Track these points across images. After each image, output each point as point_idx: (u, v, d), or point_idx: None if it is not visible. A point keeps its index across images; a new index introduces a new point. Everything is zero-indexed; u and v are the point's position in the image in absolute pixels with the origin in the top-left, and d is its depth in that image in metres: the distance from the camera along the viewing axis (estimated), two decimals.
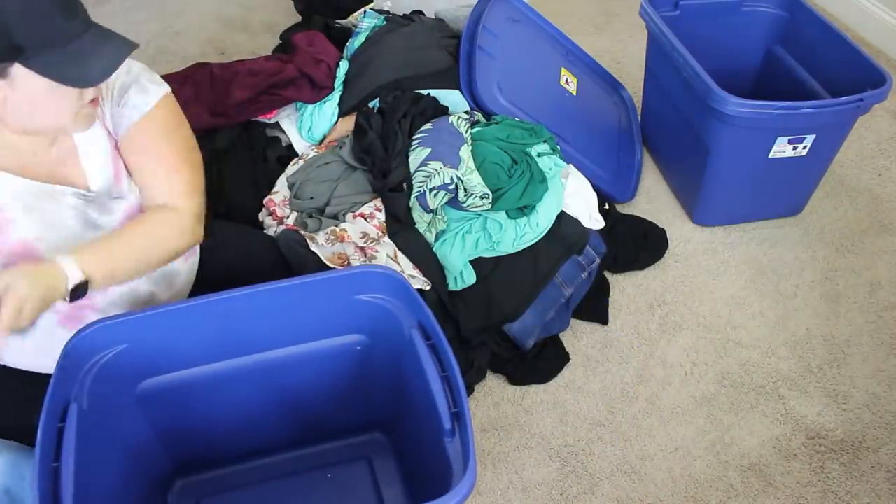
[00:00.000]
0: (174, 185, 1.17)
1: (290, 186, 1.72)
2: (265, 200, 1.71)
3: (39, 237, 1.09)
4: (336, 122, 1.84)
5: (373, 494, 1.33)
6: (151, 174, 1.17)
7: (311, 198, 1.67)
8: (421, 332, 1.12)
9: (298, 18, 2.41)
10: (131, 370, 1.09)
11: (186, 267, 1.31)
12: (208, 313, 1.10)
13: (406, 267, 1.51)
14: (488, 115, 1.79)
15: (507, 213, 1.59)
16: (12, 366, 1.18)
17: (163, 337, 1.09)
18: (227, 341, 1.15)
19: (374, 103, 1.81)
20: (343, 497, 1.33)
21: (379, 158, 1.65)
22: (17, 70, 0.95)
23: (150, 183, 1.17)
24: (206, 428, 1.25)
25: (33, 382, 1.15)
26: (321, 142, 1.85)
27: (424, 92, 1.82)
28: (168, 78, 1.23)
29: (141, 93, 1.14)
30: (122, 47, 1.01)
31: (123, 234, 1.12)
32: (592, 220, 1.72)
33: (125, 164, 1.17)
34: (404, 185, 1.62)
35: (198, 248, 1.35)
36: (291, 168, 1.76)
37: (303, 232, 1.56)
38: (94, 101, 1.06)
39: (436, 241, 1.58)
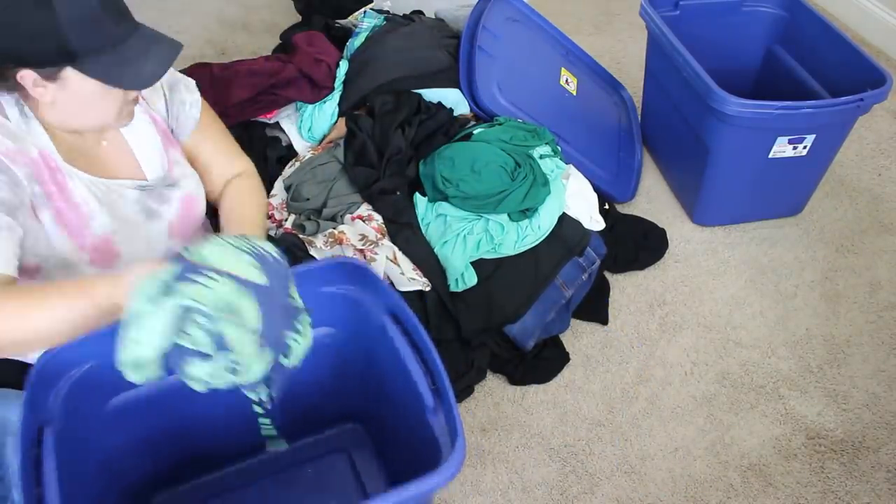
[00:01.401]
0: (234, 156, 1.33)
1: (287, 188, 1.71)
2: None
3: (115, 230, 1.12)
4: (336, 122, 1.84)
5: (354, 484, 1.33)
6: (219, 153, 1.31)
7: (308, 199, 1.66)
8: (392, 317, 1.13)
9: (298, 18, 2.41)
10: (102, 387, 1.07)
11: None
12: None
13: (406, 269, 1.50)
14: (489, 115, 1.79)
15: (509, 215, 1.59)
16: (22, 360, 1.18)
17: None
18: None
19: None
20: (326, 490, 1.33)
21: (371, 163, 1.66)
22: (69, 73, 0.97)
23: (219, 161, 1.30)
24: (182, 436, 1.23)
25: None
26: (321, 142, 1.85)
27: (424, 92, 1.82)
28: None
29: (188, 90, 1.25)
30: (171, 48, 1.04)
31: (248, 210, 1.25)
32: (593, 221, 1.72)
33: (184, 152, 1.26)
34: (397, 191, 1.62)
35: None
36: (288, 170, 1.76)
37: (301, 236, 1.56)
38: (135, 98, 1.10)
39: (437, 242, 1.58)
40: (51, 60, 0.95)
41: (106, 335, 1.03)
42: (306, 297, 1.17)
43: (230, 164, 1.32)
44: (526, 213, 1.59)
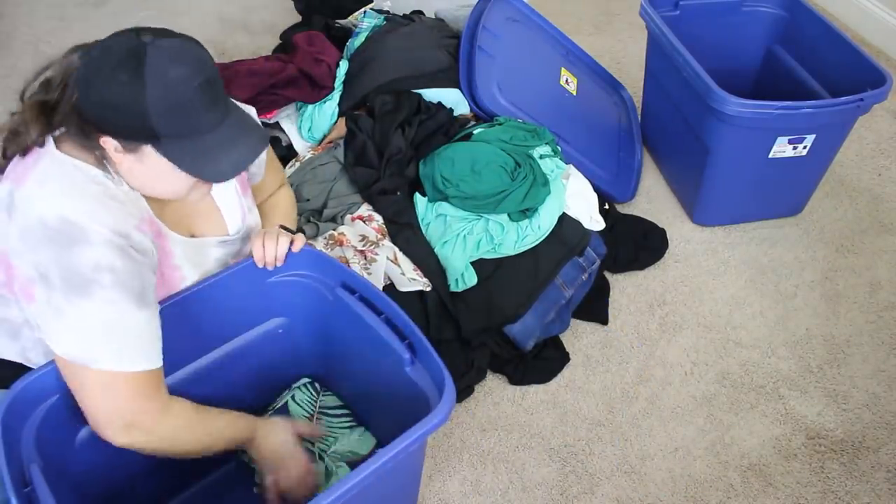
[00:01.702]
0: (278, 170, 1.37)
1: None
2: None
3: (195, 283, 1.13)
4: (336, 122, 1.84)
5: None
6: (270, 171, 1.33)
7: (308, 199, 1.66)
8: (345, 288, 1.16)
9: (298, 18, 2.41)
10: (69, 419, 1.06)
11: None
12: None
13: (407, 269, 1.51)
14: (489, 115, 1.79)
15: (509, 215, 1.59)
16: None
17: None
18: None
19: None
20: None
21: (371, 163, 1.65)
22: (148, 149, 0.95)
23: (268, 180, 1.33)
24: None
25: None
26: (321, 142, 1.85)
27: (424, 92, 1.82)
28: None
29: None
30: (259, 142, 1.01)
31: (290, 211, 1.34)
32: (593, 221, 1.72)
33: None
34: (397, 191, 1.62)
35: None
36: (288, 170, 1.75)
37: None
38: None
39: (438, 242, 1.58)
40: (133, 136, 0.94)
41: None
42: (253, 291, 1.19)
43: (276, 179, 1.35)
44: (526, 213, 1.59)
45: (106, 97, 0.91)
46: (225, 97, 0.98)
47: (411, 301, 1.51)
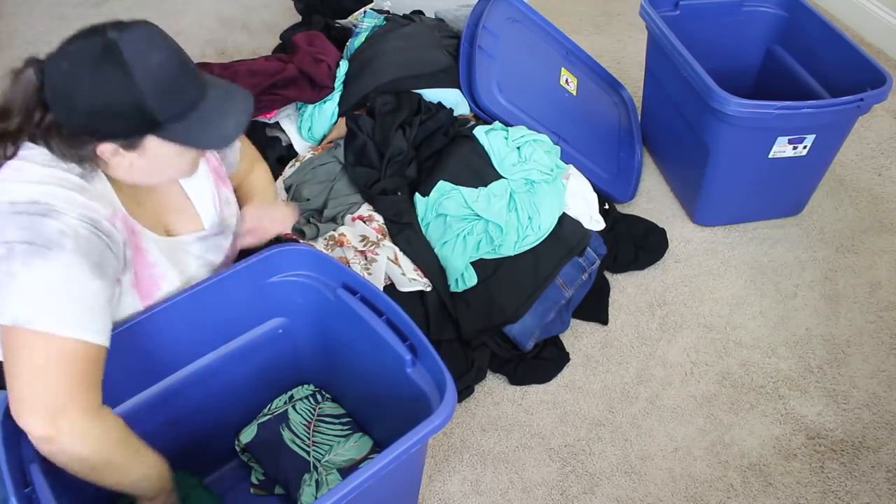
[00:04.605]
0: (248, 153, 1.35)
1: (287, 189, 1.71)
2: None
3: (179, 288, 1.11)
4: (336, 122, 1.84)
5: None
6: (245, 157, 1.33)
7: (308, 199, 1.66)
8: (346, 289, 1.15)
9: (298, 18, 2.41)
10: None
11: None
12: (131, 338, 1.07)
13: (407, 269, 1.50)
14: (489, 115, 1.79)
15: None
16: None
17: None
18: (155, 363, 1.14)
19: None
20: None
21: (372, 163, 1.65)
22: (150, 140, 0.95)
23: (244, 165, 1.33)
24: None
25: None
26: (321, 142, 1.85)
27: (424, 92, 1.82)
28: None
29: None
30: (245, 100, 1.02)
31: (268, 188, 1.35)
32: (593, 221, 1.72)
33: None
34: (398, 191, 1.62)
35: None
36: (288, 170, 1.75)
37: (301, 241, 1.55)
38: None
39: (438, 242, 1.58)
40: (133, 131, 0.93)
41: None
42: (253, 291, 1.18)
43: (250, 160, 1.35)
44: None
45: (97, 102, 0.89)
46: (195, 67, 0.99)
47: (411, 301, 1.51)
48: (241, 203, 1.27)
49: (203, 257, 1.16)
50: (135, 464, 0.99)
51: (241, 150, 1.30)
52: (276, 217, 1.29)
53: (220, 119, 0.98)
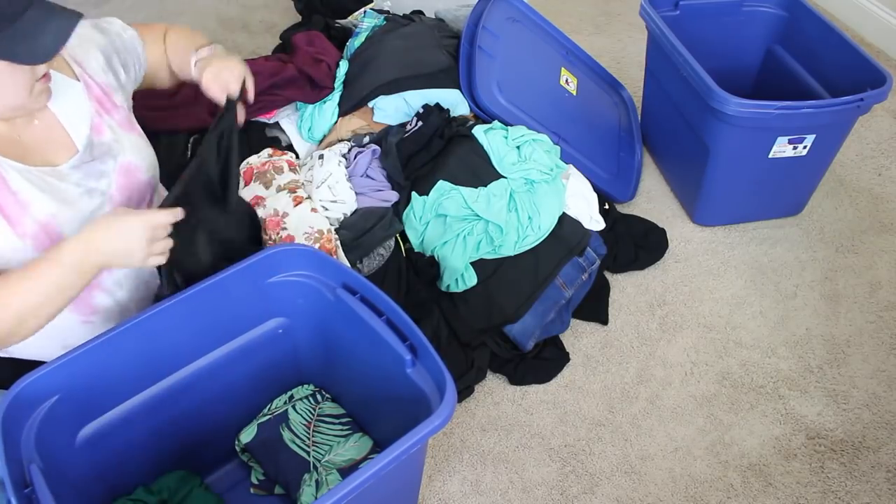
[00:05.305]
0: (152, 35, 1.33)
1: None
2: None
3: (55, 213, 1.10)
4: (336, 122, 1.84)
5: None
6: (149, 46, 1.31)
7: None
8: (346, 289, 1.15)
9: (298, 18, 2.41)
10: (69, 419, 1.07)
11: None
12: (131, 338, 1.08)
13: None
14: (489, 115, 1.79)
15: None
16: (17, 356, 1.18)
17: (92, 374, 1.07)
18: (155, 363, 1.15)
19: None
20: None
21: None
22: None
23: (154, 49, 1.32)
24: (151, 451, 1.23)
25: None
26: (321, 142, 1.85)
27: (424, 92, 1.82)
28: None
29: (120, 37, 1.24)
30: (69, 19, 1.01)
31: (193, 34, 1.35)
32: (593, 221, 1.72)
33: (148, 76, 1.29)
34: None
35: None
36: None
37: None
38: (45, 76, 1.06)
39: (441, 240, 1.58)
40: None
41: (63, 365, 1.03)
42: (253, 290, 1.18)
43: (160, 33, 1.34)
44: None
45: None
46: None
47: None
48: (184, 65, 1.30)
49: (83, 185, 1.14)
50: (35, 295, 1.01)
51: (145, 44, 1.29)
52: (233, 66, 1.31)
53: (40, 33, 0.98)
